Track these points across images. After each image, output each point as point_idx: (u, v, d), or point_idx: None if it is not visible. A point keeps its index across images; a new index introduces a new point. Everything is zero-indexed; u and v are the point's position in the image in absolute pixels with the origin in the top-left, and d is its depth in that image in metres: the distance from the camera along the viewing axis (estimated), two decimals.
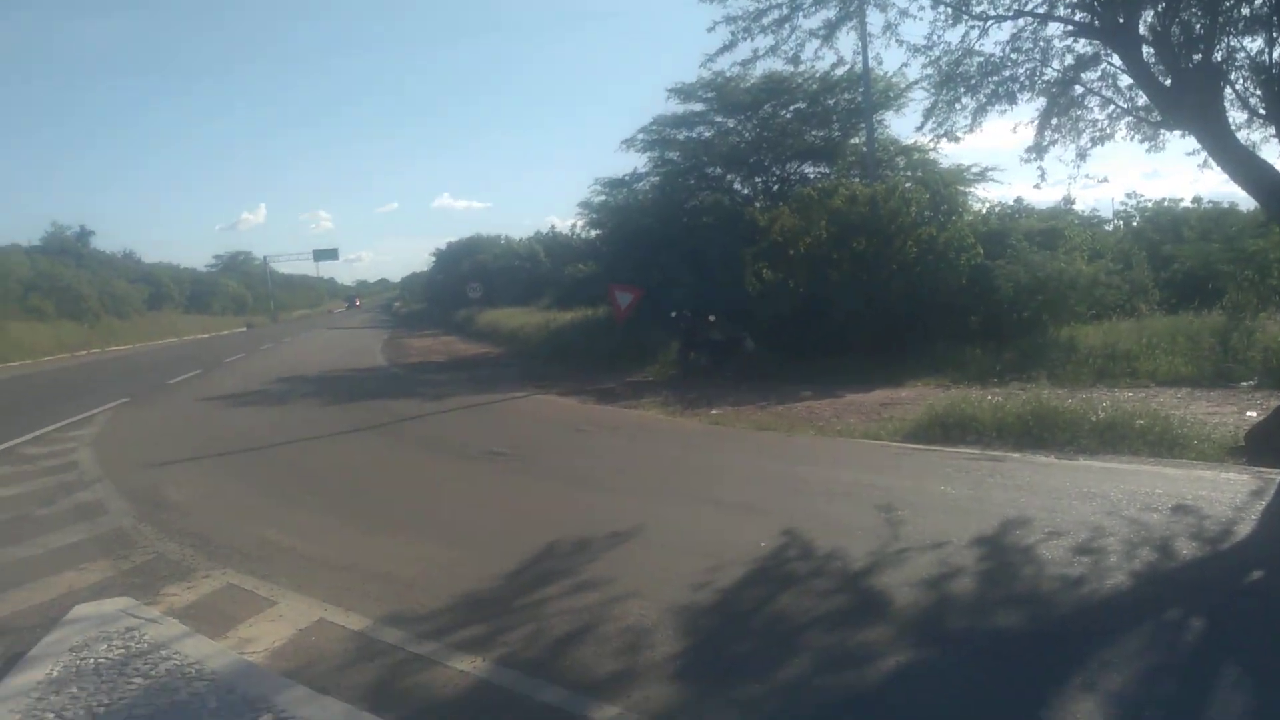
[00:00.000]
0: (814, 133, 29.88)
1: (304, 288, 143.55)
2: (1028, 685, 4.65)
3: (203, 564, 7.47)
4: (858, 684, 4.77)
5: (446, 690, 4.93)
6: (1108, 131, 12.44)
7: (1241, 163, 9.89)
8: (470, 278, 55.83)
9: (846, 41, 19.23)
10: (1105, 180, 26.07)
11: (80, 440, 14.57)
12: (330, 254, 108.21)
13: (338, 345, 43.48)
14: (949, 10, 11.92)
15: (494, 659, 5.28)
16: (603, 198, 35.04)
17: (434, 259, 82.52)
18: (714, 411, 14.72)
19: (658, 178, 32.44)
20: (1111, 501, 7.77)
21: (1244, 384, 13.45)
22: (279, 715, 4.44)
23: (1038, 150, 12.63)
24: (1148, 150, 12.77)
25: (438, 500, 9.61)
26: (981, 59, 12.21)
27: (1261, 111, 10.82)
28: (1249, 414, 11.21)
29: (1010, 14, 11.70)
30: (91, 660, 5.35)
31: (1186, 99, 10.01)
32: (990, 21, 11.83)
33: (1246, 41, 10.59)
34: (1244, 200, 23.53)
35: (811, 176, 29.83)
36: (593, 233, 38.77)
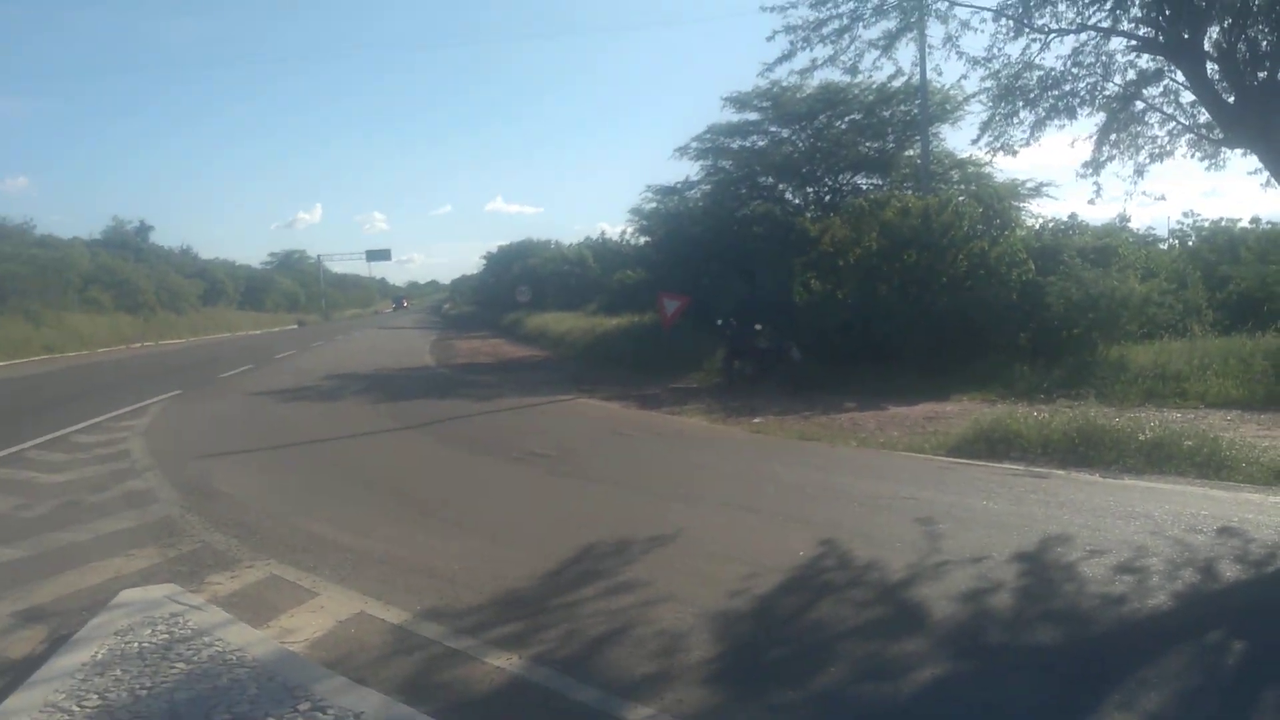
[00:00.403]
0: (868, 144, 29.78)
1: (356, 287, 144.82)
2: (1064, 702, 4.61)
3: (247, 554, 7.60)
4: (893, 695, 4.76)
5: (482, 685, 4.98)
6: (1167, 148, 12.31)
7: None
8: (519, 281, 56.17)
9: (905, 53, 19.22)
10: (1163, 198, 25.76)
11: (133, 430, 14.85)
12: (383, 254, 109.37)
13: (387, 344, 43.90)
14: (1011, 23, 11.86)
15: (530, 656, 5.32)
16: (654, 205, 35.20)
17: (484, 262, 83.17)
18: (757, 420, 14.70)
19: (709, 186, 32.50)
20: (1156, 521, 7.67)
21: None
22: (317, 704, 4.51)
23: (1095, 166, 12.52)
24: (1207, 168, 12.65)
25: (481, 499, 9.69)
26: (1042, 73, 12.16)
27: None
28: None
29: (1073, 28, 11.62)
30: (136, 644, 5.46)
31: (1250, 117, 9.89)
32: (1053, 35, 11.78)
33: None
34: None
35: (864, 188, 29.74)
36: (642, 239, 38.90)
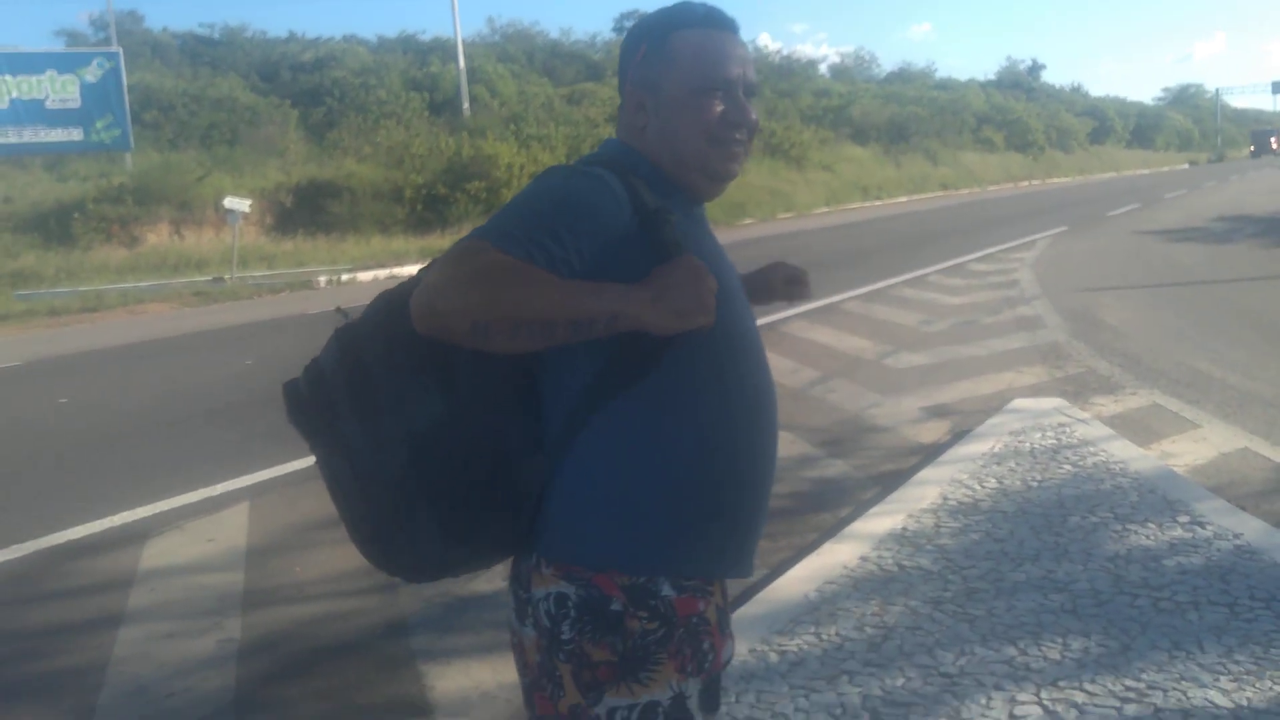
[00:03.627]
0: None
1: (1258, 123, 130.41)
2: None
3: (1130, 382, 7.83)
4: None
5: None
6: None
7: None
8: None
9: None
10: None
11: (1021, 262, 15.74)
12: None
13: None
14: None
15: None
16: None
17: None
18: None
19: None
20: None
21: None
22: (1195, 519, 4.69)
23: None
24: None
25: None
26: None
27: None
28: None
29: None
30: (1027, 444, 6.11)
31: None
32: None
33: None
34: None
35: None
36: None
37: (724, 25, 1.76)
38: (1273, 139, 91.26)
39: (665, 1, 1.80)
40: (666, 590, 1.63)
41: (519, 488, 1.66)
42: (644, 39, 1.77)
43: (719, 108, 1.71)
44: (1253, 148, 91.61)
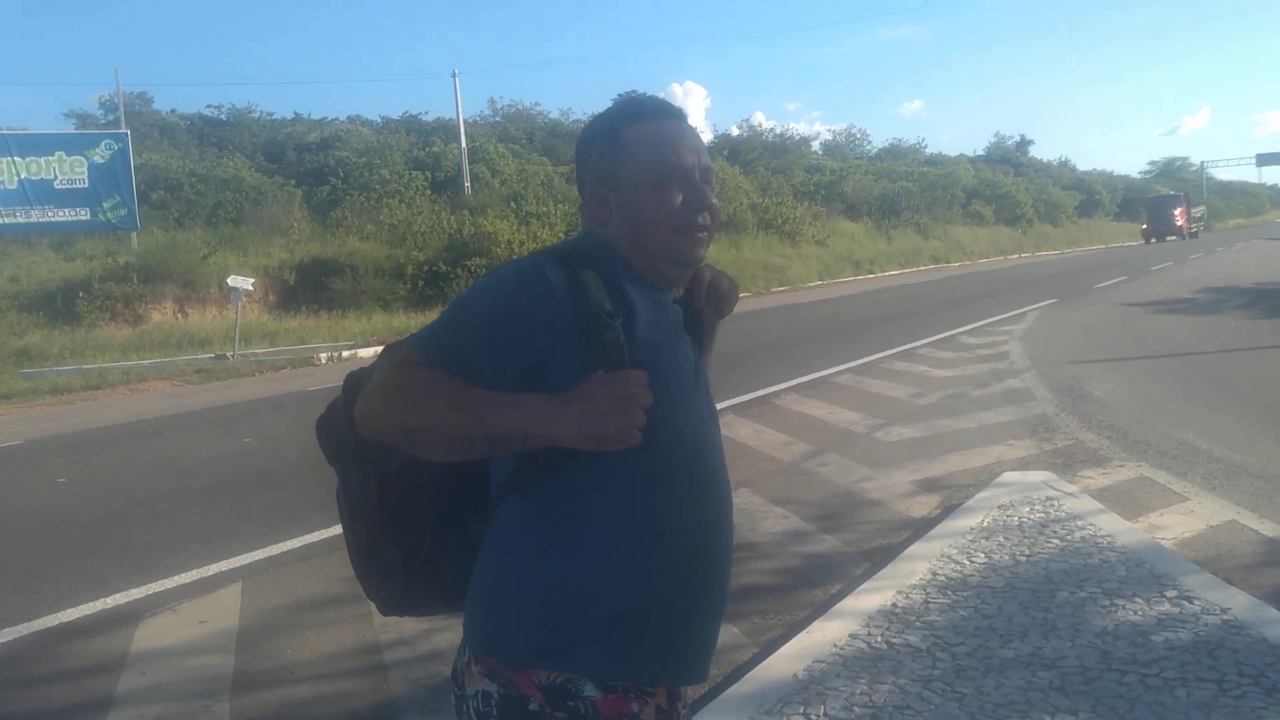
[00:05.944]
0: None
1: (1242, 195, 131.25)
2: None
3: (1118, 455, 7.89)
4: None
5: None
6: None
7: None
8: None
9: None
10: None
11: (1011, 334, 15.88)
12: (1276, 158, 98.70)
13: (1276, 258, 39.88)
14: None
15: None
16: None
17: None
18: None
19: None
20: None
21: None
22: (1183, 593, 4.73)
23: None
24: None
25: None
26: None
27: None
28: None
29: None
30: (1016, 518, 6.16)
31: None
32: None
33: None
34: None
35: None
36: None
37: (673, 115, 1.83)
38: (1177, 210, 64.59)
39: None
40: (589, 691, 1.61)
41: (470, 542, 1.75)
42: (597, 138, 1.83)
43: (680, 197, 1.75)
44: (1145, 226, 64.89)
